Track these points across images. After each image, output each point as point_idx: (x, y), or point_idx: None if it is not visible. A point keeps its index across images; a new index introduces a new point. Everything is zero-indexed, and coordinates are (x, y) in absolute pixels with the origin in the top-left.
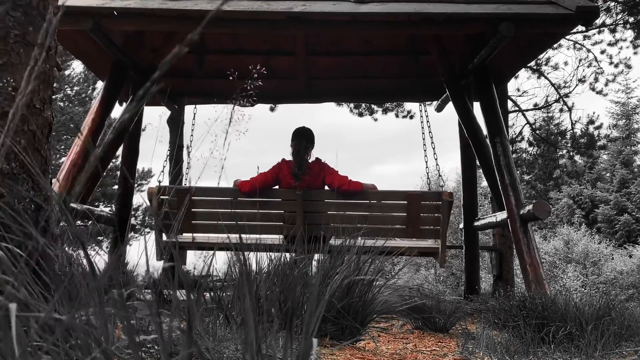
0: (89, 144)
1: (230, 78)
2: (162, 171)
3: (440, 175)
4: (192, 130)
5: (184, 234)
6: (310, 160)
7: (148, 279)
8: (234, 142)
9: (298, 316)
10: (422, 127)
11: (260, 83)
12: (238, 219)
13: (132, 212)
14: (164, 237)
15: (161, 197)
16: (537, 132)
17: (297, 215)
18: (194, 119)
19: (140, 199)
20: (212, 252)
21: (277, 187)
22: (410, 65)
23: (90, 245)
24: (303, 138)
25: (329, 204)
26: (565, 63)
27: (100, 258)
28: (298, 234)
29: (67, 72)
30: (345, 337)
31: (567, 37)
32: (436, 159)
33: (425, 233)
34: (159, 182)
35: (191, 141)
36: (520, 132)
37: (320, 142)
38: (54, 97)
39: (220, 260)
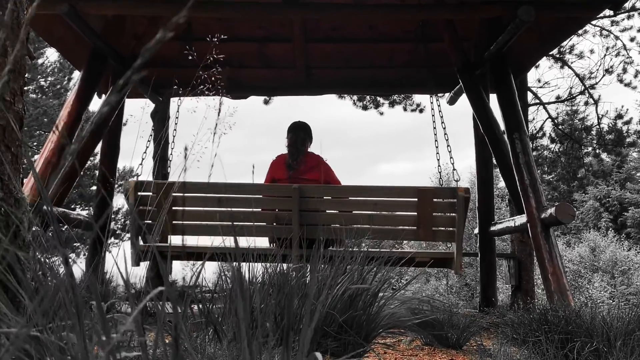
0: (64, 139)
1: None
2: (141, 164)
3: (454, 170)
4: (176, 124)
5: (166, 238)
6: (308, 152)
7: (129, 289)
8: (223, 138)
9: (296, 331)
10: (434, 121)
11: (219, 69)
12: (225, 219)
13: (112, 216)
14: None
15: (140, 193)
16: (560, 127)
17: (293, 214)
18: (177, 111)
19: (121, 201)
20: (200, 259)
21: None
22: (419, 53)
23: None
24: (300, 130)
25: (330, 202)
26: (591, 51)
27: (76, 266)
28: (294, 237)
29: (40, 61)
30: (348, 353)
31: (593, 22)
32: (450, 154)
33: (438, 235)
34: (137, 175)
35: (174, 136)
36: (542, 128)
37: (321, 139)
38: (25, 88)
39: (209, 269)
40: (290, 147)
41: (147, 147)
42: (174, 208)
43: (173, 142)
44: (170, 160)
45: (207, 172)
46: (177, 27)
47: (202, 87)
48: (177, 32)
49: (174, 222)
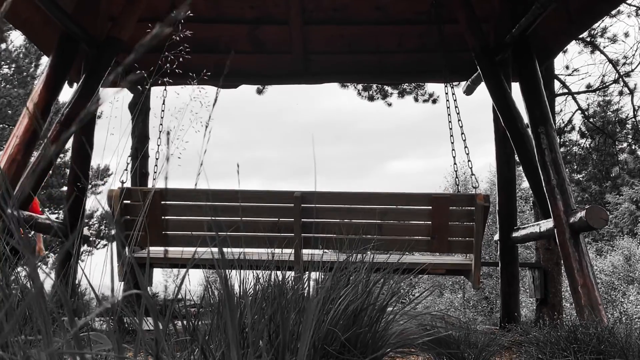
0: (37, 127)
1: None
2: (126, 169)
3: (472, 175)
4: (162, 117)
5: (152, 248)
6: None
7: (106, 303)
8: (197, 133)
9: (292, 351)
10: (449, 114)
11: (186, 53)
12: (221, 229)
13: (86, 220)
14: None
15: (124, 201)
16: (591, 120)
17: (295, 224)
18: (163, 103)
19: (95, 203)
20: (185, 270)
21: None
22: (432, 36)
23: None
24: None
25: (335, 211)
26: (626, 34)
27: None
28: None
29: (3, 46)
30: None
31: (628, 1)
32: (467, 153)
33: (454, 246)
34: (122, 182)
35: (160, 131)
36: (570, 120)
37: (321, 133)
38: None
39: (195, 281)
40: None
41: (133, 149)
42: (163, 217)
43: (159, 137)
44: (157, 158)
45: (187, 171)
46: (159, 6)
47: (168, 68)
48: (159, 14)
49: (163, 232)
